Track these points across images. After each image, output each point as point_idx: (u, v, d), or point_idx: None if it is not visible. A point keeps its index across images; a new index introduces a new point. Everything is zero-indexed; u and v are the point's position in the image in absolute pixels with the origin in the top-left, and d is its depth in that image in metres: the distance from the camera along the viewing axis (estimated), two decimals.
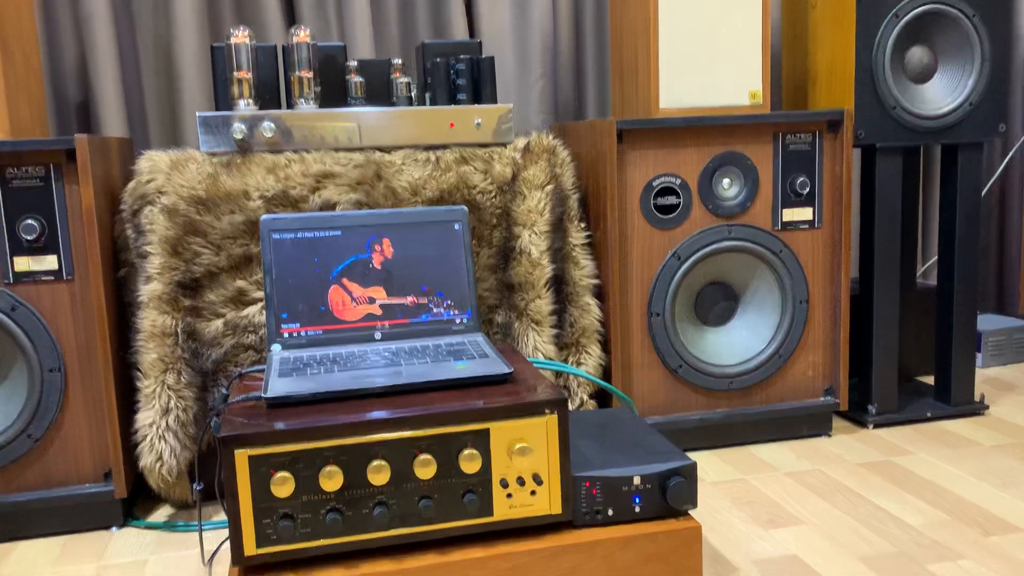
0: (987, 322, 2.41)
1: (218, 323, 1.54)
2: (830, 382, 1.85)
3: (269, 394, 1.15)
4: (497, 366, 1.24)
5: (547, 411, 1.14)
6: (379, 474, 1.08)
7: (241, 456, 1.05)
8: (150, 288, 1.50)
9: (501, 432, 1.12)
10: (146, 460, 1.49)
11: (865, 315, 1.89)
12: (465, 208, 1.47)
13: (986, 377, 2.26)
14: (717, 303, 1.82)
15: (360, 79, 1.68)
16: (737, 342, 1.82)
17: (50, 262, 1.47)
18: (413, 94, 1.69)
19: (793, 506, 1.52)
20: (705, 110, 1.75)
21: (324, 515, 1.08)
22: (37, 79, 1.68)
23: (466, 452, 1.11)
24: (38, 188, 1.45)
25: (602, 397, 1.75)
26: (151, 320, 1.50)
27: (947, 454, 1.74)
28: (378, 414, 1.10)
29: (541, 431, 1.14)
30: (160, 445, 1.49)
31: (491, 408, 1.12)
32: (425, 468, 1.10)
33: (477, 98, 1.71)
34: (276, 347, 1.37)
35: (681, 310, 1.79)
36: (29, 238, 1.44)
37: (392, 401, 1.15)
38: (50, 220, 1.46)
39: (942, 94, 1.84)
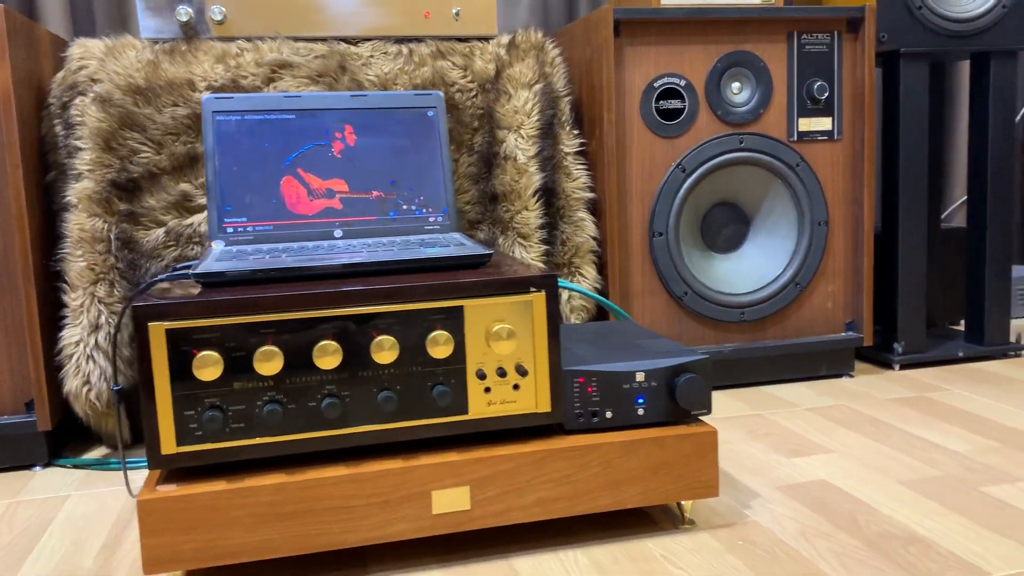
0: (1017, 272, 2.23)
1: (159, 232, 1.34)
2: (852, 315, 1.66)
3: (201, 270, 0.95)
4: (475, 249, 1.04)
5: (532, 289, 0.95)
6: (328, 357, 0.89)
7: (156, 330, 0.86)
8: (80, 187, 1.31)
9: (477, 312, 0.93)
10: (71, 384, 1.28)
11: (889, 249, 1.71)
12: (440, 94, 1.28)
13: (1017, 327, 2.07)
14: (726, 226, 1.63)
15: None
16: (749, 269, 1.63)
17: None
18: None
19: (818, 436, 1.33)
20: (715, 6, 1.57)
21: (261, 407, 0.88)
22: None
23: (434, 334, 0.92)
24: None
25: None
26: (80, 223, 1.30)
27: (986, 390, 1.55)
28: (330, 288, 0.91)
29: (525, 312, 0.94)
30: (88, 366, 1.28)
31: (465, 282, 0.93)
32: (384, 352, 0.90)
33: None
34: (218, 243, 1.17)
35: (687, 232, 1.60)
36: None
37: (351, 282, 0.95)
38: None
39: None
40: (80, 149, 1.31)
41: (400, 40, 1.46)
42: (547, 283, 0.95)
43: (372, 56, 1.43)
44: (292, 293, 0.88)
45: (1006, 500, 1.06)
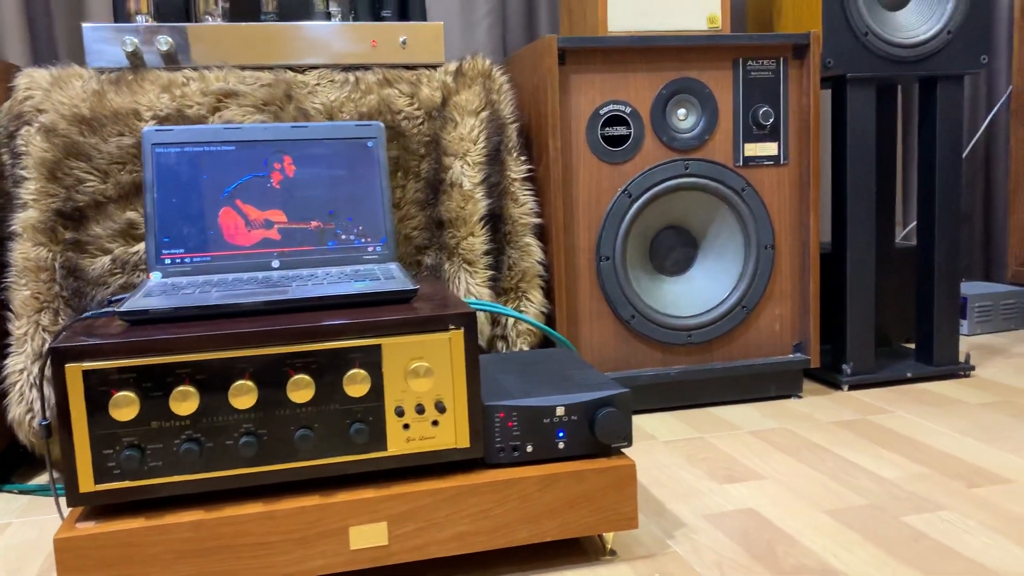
0: (974, 288, 2.25)
1: (105, 259, 1.36)
2: (799, 337, 1.68)
3: (124, 308, 0.97)
4: (401, 284, 1.06)
5: (451, 326, 0.96)
6: (243, 397, 0.91)
7: (73, 371, 0.87)
8: (24, 216, 1.32)
9: (395, 350, 0.95)
10: (15, 411, 1.30)
11: (837, 270, 1.73)
12: (380, 124, 1.30)
13: (972, 344, 2.10)
14: (674, 249, 1.65)
15: None
16: (696, 292, 1.65)
17: None
18: (331, 9, 1.52)
19: (753, 461, 1.34)
20: (659, 34, 1.59)
21: (178, 446, 0.90)
22: None
23: (351, 372, 0.93)
24: None
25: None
26: (24, 252, 1.31)
27: (929, 412, 1.57)
28: (245, 328, 0.92)
29: (443, 350, 0.96)
30: (31, 394, 1.30)
31: (383, 321, 0.94)
32: (300, 391, 0.92)
33: (404, 15, 1.55)
34: (156, 275, 1.19)
35: (635, 256, 1.61)
36: None
37: (271, 320, 0.97)
38: None
39: (918, 21, 1.68)
40: (25, 179, 1.33)
41: (347, 68, 1.48)
42: (465, 321, 0.97)
43: (319, 84, 1.45)
44: (207, 333, 0.90)
45: (924, 531, 1.08)
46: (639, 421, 1.58)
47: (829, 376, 1.77)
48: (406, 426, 0.96)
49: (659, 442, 1.46)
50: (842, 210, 1.70)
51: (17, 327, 1.31)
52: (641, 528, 1.12)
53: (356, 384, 0.93)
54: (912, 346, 2.02)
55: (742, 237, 1.63)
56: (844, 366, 1.73)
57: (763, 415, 1.59)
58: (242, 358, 0.91)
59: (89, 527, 0.89)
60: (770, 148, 1.62)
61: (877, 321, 2.01)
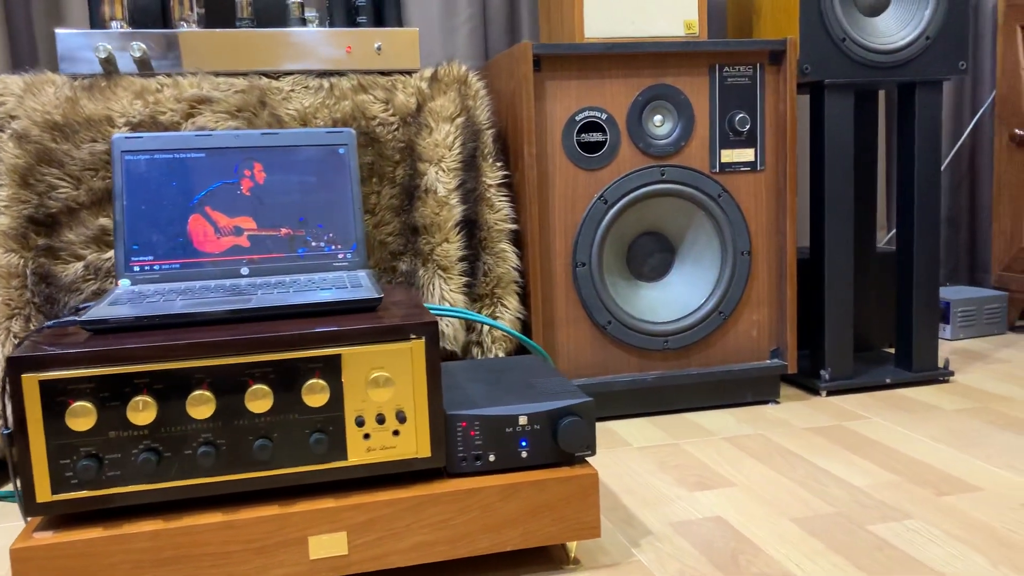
0: (957, 293, 2.25)
1: (78, 266, 1.36)
2: (777, 343, 1.68)
3: (86, 317, 0.97)
4: (366, 292, 1.06)
5: (412, 336, 0.96)
6: (201, 407, 0.91)
7: (30, 381, 0.87)
8: None
9: (355, 359, 0.95)
10: None
11: (815, 275, 1.73)
12: (352, 131, 1.30)
13: (954, 348, 2.10)
14: (652, 255, 1.65)
15: None
16: (673, 298, 1.65)
17: None
18: (307, 15, 1.52)
19: (725, 468, 1.34)
20: (635, 40, 1.59)
21: (136, 455, 0.90)
22: None
23: (310, 382, 0.93)
24: None
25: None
26: None
27: (904, 418, 1.57)
28: (202, 337, 0.92)
29: (404, 359, 0.96)
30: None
31: (341, 331, 0.94)
32: (258, 401, 0.92)
33: (380, 22, 1.55)
34: (124, 282, 1.19)
35: (612, 262, 1.61)
36: None
37: (232, 329, 0.97)
38: None
39: (896, 27, 1.68)
40: None
41: (322, 74, 1.48)
42: (427, 331, 0.97)
43: (293, 90, 1.45)
44: (164, 343, 0.90)
45: (888, 539, 1.08)
46: (614, 427, 1.58)
47: (808, 382, 1.77)
48: (367, 436, 0.96)
49: (633, 448, 1.46)
50: (820, 216, 1.70)
51: None
52: (607, 536, 1.12)
53: (315, 394, 0.93)
54: (894, 351, 2.02)
55: (719, 243, 1.63)
56: (822, 371, 1.73)
57: (739, 421, 1.59)
58: (200, 368, 0.91)
59: (47, 537, 0.89)
60: (747, 154, 1.62)
61: (859, 326, 2.01)
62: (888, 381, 1.76)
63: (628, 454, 1.43)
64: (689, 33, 1.62)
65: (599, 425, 1.60)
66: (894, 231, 2.39)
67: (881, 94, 2.29)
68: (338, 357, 0.94)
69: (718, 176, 1.61)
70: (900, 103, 1.76)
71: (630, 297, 1.63)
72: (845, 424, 1.55)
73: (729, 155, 1.61)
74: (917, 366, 1.78)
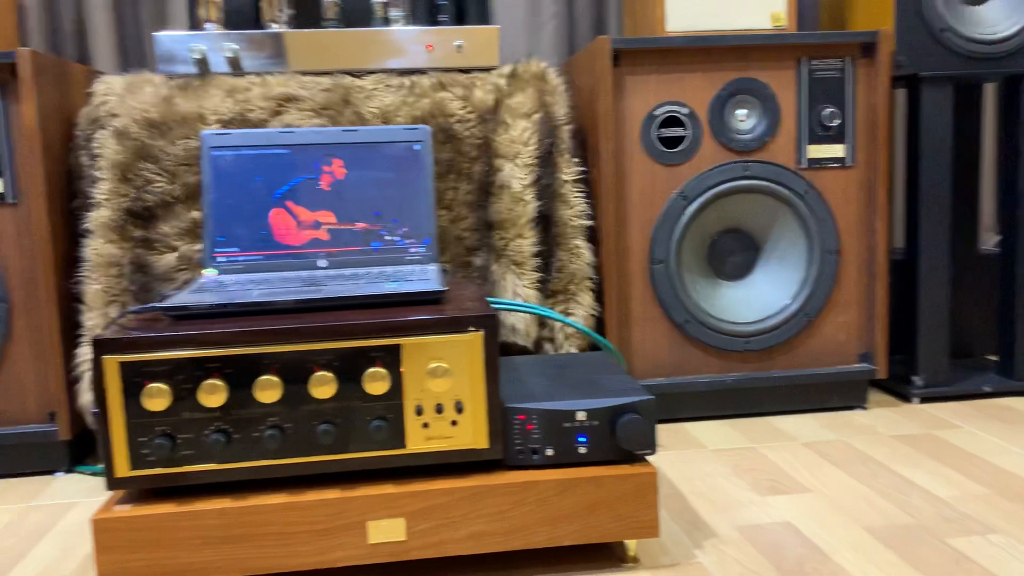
0: None
1: (171, 256, 1.43)
2: (866, 346, 1.62)
3: (167, 304, 1.02)
4: (430, 285, 1.08)
5: (471, 328, 0.97)
6: (268, 391, 0.94)
7: (111, 363, 0.93)
8: (97, 215, 1.40)
9: (414, 350, 0.97)
10: (84, 398, 1.38)
11: (910, 277, 1.65)
12: (428, 128, 1.32)
13: None
14: (734, 253, 1.61)
15: (333, 0, 1.55)
16: (755, 297, 1.61)
17: None
18: (391, 15, 1.55)
19: (802, 474, 1.30)
20: (718, 33, 1.56)
21: (207, 436, 0.94)
22: (3, 3, 1.62)
23: (371, 371, 0.96)
24: None
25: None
26: (96, 248, 1.40)
27: (1001, 429, 1.48)
28: (271, 325, 0.96)
29: (463, 351, 0.97)
30: None
31: (400, 321, 0.96)
32: (322, 387, 0.95)
33: (461, 19, 1.57)
34: (210, 271, 1.25)
35: (691, 259, 1.59)
36: None
37: (303, 317, 1.00)
38: None
39: (1002, 16, 1.59)
40: (99, 179, 1.41)
41: (404, 72, 1.51)
42: (485, 323, 0.98)
43: (375, 89, 1.49)
44: (235, 329, 0.94)
45: (968, 554, 1.02)
46: (690, 428, 1.55)
47: (900, 388, 1.69)
48: (425, 425, 0.98)
49: (707, 450, 1.43)
50: (915, 215, 1.63)
51: (88, 319, 1.40)
52: (671, 536, 1.10)
53: (376, 382, 0.95)
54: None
55: (805, 241, 1.58)
56: (915, 378, 1.65)
57: (822, 426, 1.53)
58: (268, 354, 0.94)
59: (125, 510, 0.94)
60: (836, 150, 1.57)
61: (959, 332, 1.91)
62: (987, 389, 1.67)
63: (702, 456, 1.41)
64: (776, 26, 1.58)
65: (674, 426, 1.57)
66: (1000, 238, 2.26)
67: (989, 87, 2.17)
68: (398, 347, 0.96)
69: (805, 172, 1.56)
70: (1004, 97, 1.66)
71: (710, 296, 1.60)
72: (935, 433, 1.47)
73: (817, 151, 1.56)
74: (1020, 374, 1.68)
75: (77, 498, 1.34)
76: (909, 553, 1.03)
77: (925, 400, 1.66)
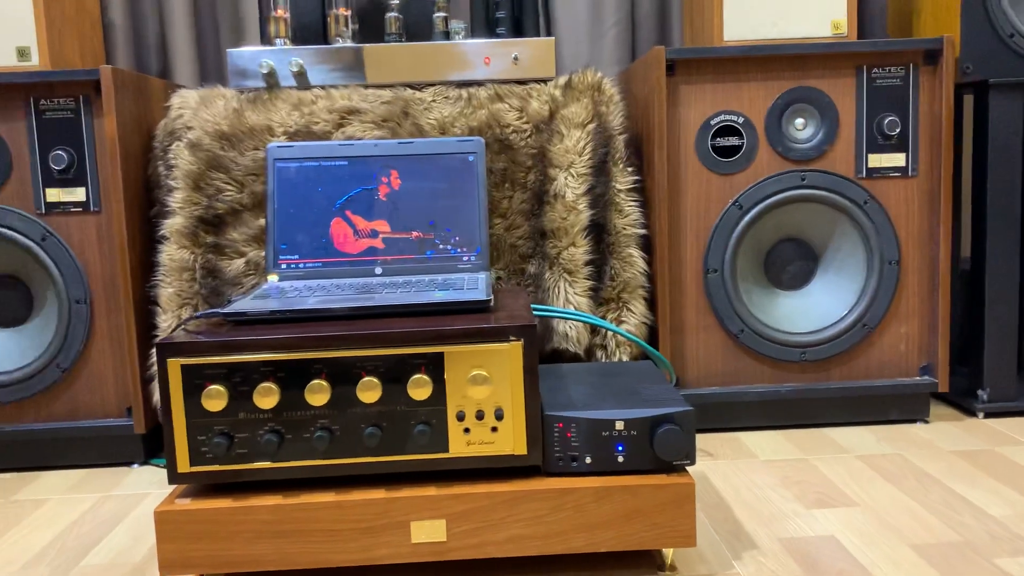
0: None
1: (240, 262, 1.50)
2: (927, 359, 1.59)
3: (228, 309, 1.09)
4: (477, 295, 1.11)
5: (511, 338, 1.01)
6: (318, 395, 0.99)
7: (174, 365, 0.99)
8: (171, 222, 1.49)
9: (457, 358, 1.00)
10: (157, 396, 1.47)
11: (976, 288, 1.61)
12: (481, 140, 1.36)
13: None
14: (791, 263, 1.60)
15: (396, 15, 1.60)
16: (812, 307, 1.59)
17: (79, 194, 1.49)
18: (450, 29, 1.60)
19: (851, 487, 1.29)
20: (774, 42, 1.55)
21: (261, 436, 1.00)
22: (92, 21, 1.72)
23: (415, 377, 1.00)
24: (69, 119, 1.47)
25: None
26: (170, 254, 1.48)
27: None
28: (321, 332, 1.01)
29: (503, 359, 1.00)
30: None
31: (443, 330, 1.00)
32: (369, 392, 0.99)
33: (518, 32, 1.60)
34: (273, 278, 1.32)
35: (747, 268, 1.58)
36: (59, 168, 1.46)
37: (352, 324, 1.05)
38: (79, 151, 1.48)
39: None
40: (174, 188, 1.49)
41: (461, 84, 1.55)
42: (525, 333, 1.01)
43: (434, 101, 1.53)
44: (287, 335, 0.99)
45: (1014, 575, 1.01)
46: (743, 438, 1.55)
47: (964, 402, 1.65)
48: (467, 430, 1.01)
49: (758, 461, 1.43)
50: (981, 225, 1.59)
51: (163, 320, 1.48)
52: (710, 546, 1.11)
53: (419, 388, 1.00)
54: None
55: (864, 251, 1.56)
56: (980, 392, 1.61)
57: (879, 439, 1.51)
58: (318, 359, 1.00)
59: (185, 503, 1.00)
60: (897, 159, 1.54)
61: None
62: None
63: (752, 466, 1.41)
64: (836, 33, 1.56)
65: (727, 436, 1.57)
66: None
67: None
68: (441, 355, 1.00)
69: (864, 182, 1.54)
70: None
71: (765, 306, 1.59)
72: (997, 449, 1.44)
73: (877, 160, 1.54)
74: None
75: (150, 489, 1.42)
76: (951, 572, 1.02)
77: (990, 415, 1.62)
